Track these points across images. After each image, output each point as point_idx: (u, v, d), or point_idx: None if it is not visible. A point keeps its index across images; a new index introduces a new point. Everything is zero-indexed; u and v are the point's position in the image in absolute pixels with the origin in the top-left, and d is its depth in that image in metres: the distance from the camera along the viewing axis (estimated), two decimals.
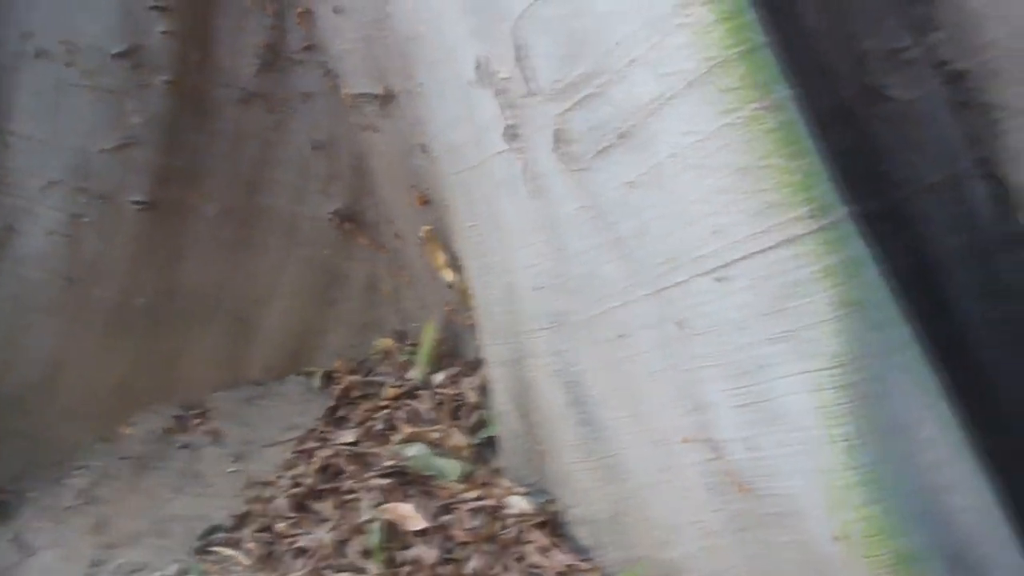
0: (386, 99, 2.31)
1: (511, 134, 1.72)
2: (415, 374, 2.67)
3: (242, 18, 2.39)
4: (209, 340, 2.67)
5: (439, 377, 2.61)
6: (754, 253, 1.29)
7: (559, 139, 1.55)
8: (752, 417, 1.39)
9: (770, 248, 1.27)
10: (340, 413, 2.65)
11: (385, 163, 2.48)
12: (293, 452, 2.54)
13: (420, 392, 2.59)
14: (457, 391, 2.54)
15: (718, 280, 1.35)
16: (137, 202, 2.43)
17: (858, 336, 1.24)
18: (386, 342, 2.83)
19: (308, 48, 2.44)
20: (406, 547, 2.17)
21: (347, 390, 2.71)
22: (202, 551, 2.28)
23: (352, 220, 2.67)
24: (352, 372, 2.82)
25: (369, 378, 2.77)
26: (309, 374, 2.84)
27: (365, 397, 2.68)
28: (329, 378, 2.81)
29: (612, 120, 1.43)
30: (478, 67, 1.74)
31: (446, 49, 1.84)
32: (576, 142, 1.52)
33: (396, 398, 2.59)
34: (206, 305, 2.62)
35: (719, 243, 1.33)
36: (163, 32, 2.31)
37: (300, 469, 2.45)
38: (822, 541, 1.32)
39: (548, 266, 1.80)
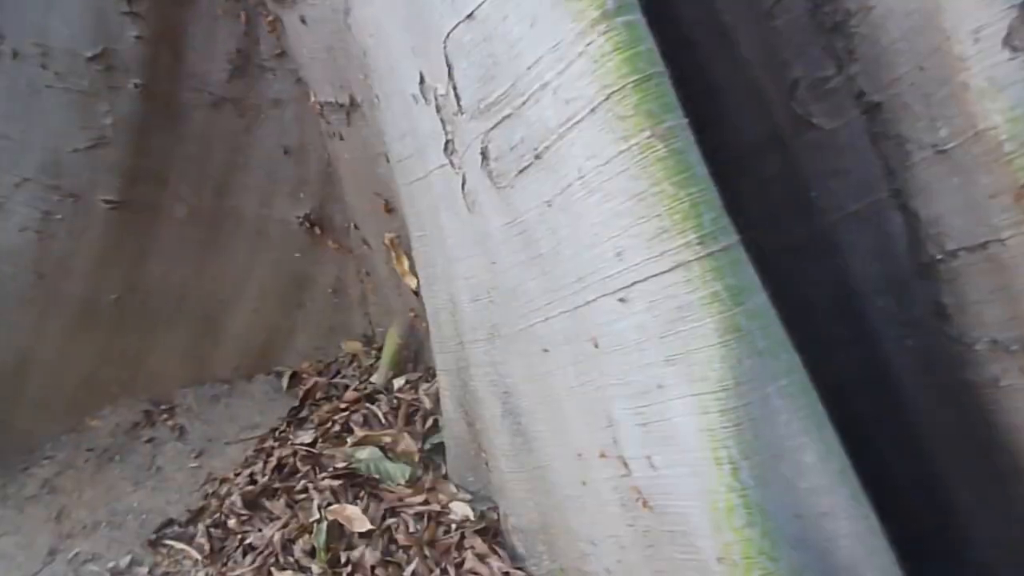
0: (351, 108, 2.36)
1: (450, 149, 1.76)
2: (377, 378, 2.72)
3: (214, 24, 2.44)
4: (176, 338, 2.73)
5: (399, 382, 2.66)
6: (650, 276, 1.32)
7: (485, 156, 1.59)
8: (651, 436, 1.41)
9: (664, 272, 1.30)
10: (303, 414, 2.70)
11: (351, 171, 2.53)
12: (253, 450, 2.59)
13: (379, 396, 2.63)
14: (415, 396, 2.58)
15: (621, 301, 1.38)
16: (107, 201, 2.49)
17: (741, 362, 1.27)
18: (353, 345, 2.88)
19: (279, 55, 2.49)
20: (350, 548, 2.21)
21: (311, 391, 2.76)
22: (155, 544, 2.34)
23: (320, 225, 2.72)
24: (319, 374, 2.87)
25: (335, 380, 2.82)
26: (278, 374, 2.89)
27: (328, 399, 2.73)
28: (296, 379, 2.86)
29: (529, 141, 1.46)
30: (421, 82, 1.78)
31: (391, 63, 1.88)
32: (500, 160, 1.56)
33: (356, 401, 2.63)
34: (173, 303, 2.67)
35: (621, 265, 1.36)
36: (136, 37, 2.37)
37: (257, 467, 2.50)
38: (711, 561, 1.35)
39: (484, 279, 1.83)
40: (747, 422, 1.27)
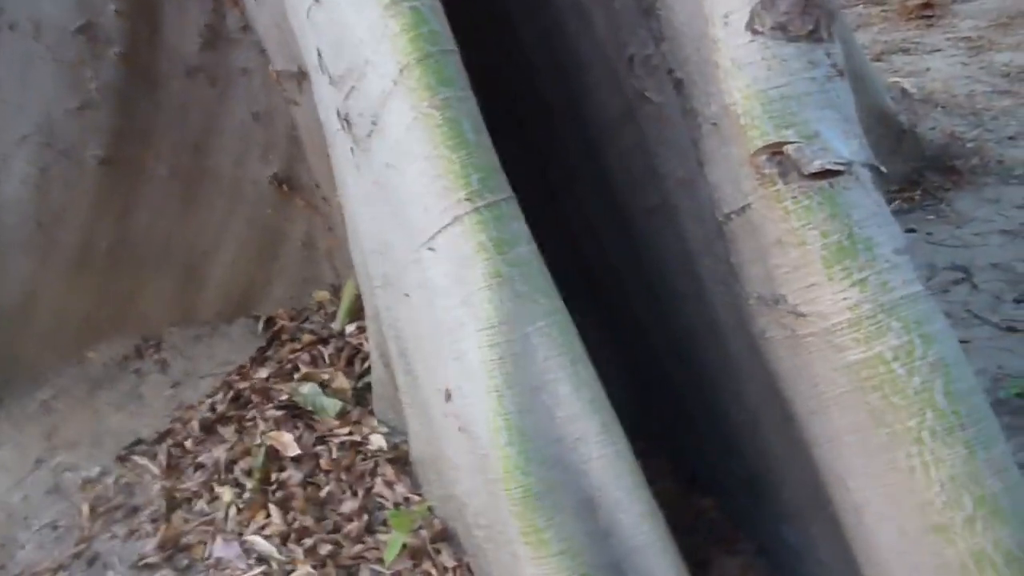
0: (300, 77, 2.60)
1: (342, 116, 1.99)
2: (336, 324, 2.99)
3: (186, 1, 2.72)
4: (163, 283, 3.05)
5: (351, 328, 2.92)
6: (443, 228, 1.53)
7: (348, 122, 1.82)
8: (460, 368, 1.63)
9: (448, 225, 1.51)
10: (267, 353, 3.00)
11: (308, 134, 2.78)
12: (220, 382, 2.90)
13: (332, 340, 2.91)
14: (359, 341, 2.84)
15: (431, 251, 1.60)
16: (97, 158, 2.81)
17: (504, 303, 1.47)
18: (322, 295, 3.16)
19: (244, 28, 2.76)
20: (281, 469, 2.50)
21: (278, 333, 3.06)
22: (123, 459, 2.67)
23: (289, 183, 3.00)
24: (292, 319, 3.16)
25: (303, 325, 3.11)
26: (255, 319, 3.20)
27: (293, 340, 3.02)
28: (270, 323, 3.16)
29: (368, 110, 1.68)
30: (319, 54, 2.01)
31: (303, 38, 2.12)
32: (356, 126, 1.78)
33: (311, 344, 2.92)
34: (158, 253, 2.99)
35: (427, 220, 1.57)
36: (115, 11, 2.67)
37: (218, 397, 2.81)
38: (492, 477, 1.56)
39: (373, 231, 2.06)
40: (509, 356, 1.48)
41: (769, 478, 1.90)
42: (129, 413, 2.86)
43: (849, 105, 1.45)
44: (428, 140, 1.49)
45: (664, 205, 1.93)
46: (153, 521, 2.45)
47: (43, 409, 2.91)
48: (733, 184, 1.52)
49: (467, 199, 1.46)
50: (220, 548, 2.33)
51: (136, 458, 2.67)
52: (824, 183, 1.37)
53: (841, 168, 1.37)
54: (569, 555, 1.46)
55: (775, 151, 1.39)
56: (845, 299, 1.35)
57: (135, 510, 2.51)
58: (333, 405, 2.60)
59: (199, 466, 2.58)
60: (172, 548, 2.36)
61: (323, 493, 2.39)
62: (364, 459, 2.46)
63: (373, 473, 2.42)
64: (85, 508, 2.52)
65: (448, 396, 1.74)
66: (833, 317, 1.37)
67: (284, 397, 2.67)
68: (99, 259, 2.95)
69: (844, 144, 1.39)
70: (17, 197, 2.81)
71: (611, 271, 2.32)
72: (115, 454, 2.69)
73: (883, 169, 1.45)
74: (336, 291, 3.15)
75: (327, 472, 2.44)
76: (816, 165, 1.36)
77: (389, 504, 2.34)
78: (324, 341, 2.90)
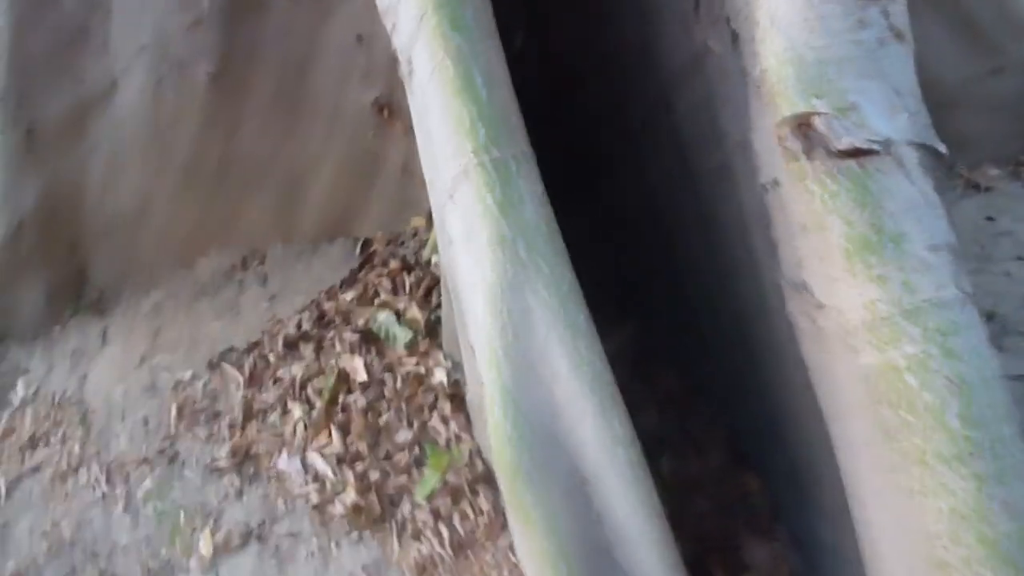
0: None
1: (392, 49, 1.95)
2: (426, 253, 3.00)
3: None
4: (266, 199, 3.15)
5: (436, 258, 2.93)
6: (456, 181, 1.48)
7: (395, 58, 1.77)
8: (474, 329, 1.58)
9: (460, 180, 1.45)
10: (358, 276, 3.06)
11: None
12: (310, 301, 3.00)
13: (416, 269, 2.93)
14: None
15: (450, 198, 1.55)
16: (208, 74, 2.90)
17: (507, 270, 1.41)
18: (418, 221, 3.18)
19: None
20: (349, 392, 2.57)
21: (370, 257, 3.11)
22: (213, 366, 2.83)
23: (389, 108, 2.99)
24: (387, 243, 3.20)
25: (396, 251, 3.15)
26: (354, 240, 3.26)
27: (383, 265, 3.07)
28: (367, 245, 3.21)
29: (404, 49, 1.62)
30: None
31: None
32: (400, 63, 1.73)
33: (397, 271, 2.95)
34: (262, 169, 3.08)
35: (447, 169, 1.52)
36: None
37: (305, 315, 2.91)
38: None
39: (425, 165, 2.04)
40: (510, 326, 1.42)
41: (810, 471, 1.78)
42: (226, 322, 3.01)
43: (904, 74, 1.27)
44: (443, 90, 1.43)
45: (725, 167, 1.79)
46: (230, 427, 2.60)
47: (152, 311, 3.10)
48: (770, 154, 1.38)
49: (473, 153, 1.40)
50: (283, 461, 2.44)
51: (225, 366, 2.81)
52: (854, 163, 1.21)
53: (876, 148, 1.20)
54: (554, 535, 1.42)
55: (803, 123, 1.24)
56: (862, 297, 1.20)
57: (216, 415, 2.66)
58: (404, 335, 2.64)
59: (277, 380, 2.69)
60: (242, 456, 2.49)
61: (382, 421, 2.44)
62: (426, 391, 2.49)
63: (432, 407, 2.45)
64: (174, 409, 2.70)
65: (472, 352, 1.71)
66: (850, 315, 1.23)
67: (362, 322, 2.73)
68: (208, 171, 3.07)
69: (886, 120, 1.22)
70: (135, 106, 2.95)
71: (683, 228, 2.19)
72: (208, 360, 2.85)
73: (941, 150, 1.27)
74: (431, 218, 3.15)
75: (389, 401, 2.49)
76: (845, 142, 1.20)
77: (442, 439, 2.36)
78: (409, 269, 2.93)
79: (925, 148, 1.25)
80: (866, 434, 1.28)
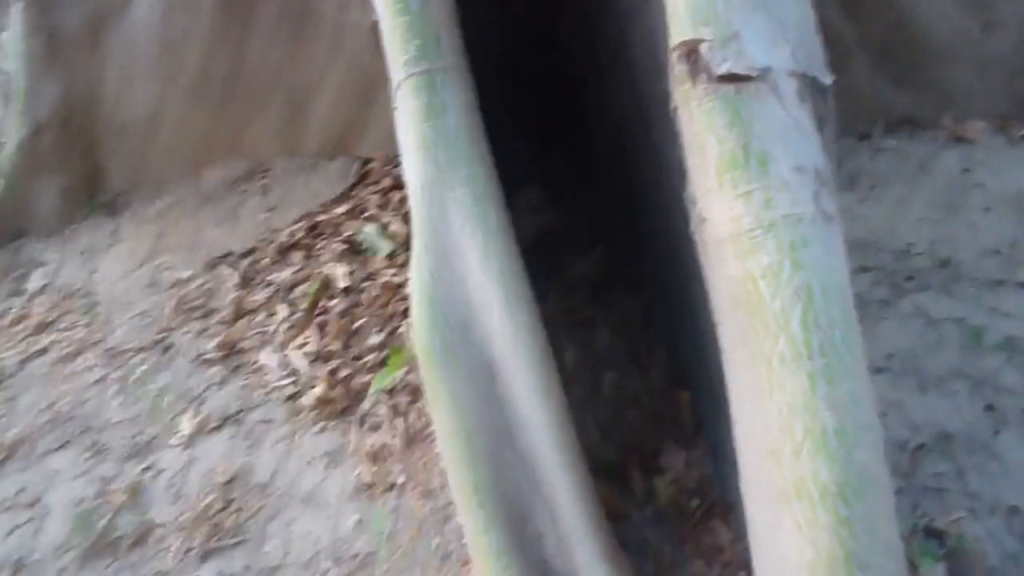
0: None
1: None
2: None
3: None
4: (271, 115, 3.31)
5: None
6: (397, 92, 1.62)
7: None
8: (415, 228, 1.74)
9: (399, 88, 1.60)
10: (352, 192, 3.22)
11: None
12: (305, 213, 3.17)
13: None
14: None
15: (395, 108, 1.68)
16: None
17: (428, 170, 1.56)
18: None
19: None
20: (331, 298, 2.75)
21: (366, 175, 3.27)
22: (210, 267, 3.02)
23: None
24: (385, 164, 3.35)
25: (392, 170, 3.30)
26: (354, 159, 3.41)
27: (376, 183, 3.23)
28: (365, 164, 3.37)
29: None
30: None
31: None
32: None
33: (388, 188, 3.11)
34: (268, 86, 3.23)
35: (393, 82, 1.66)
36: None
37: (299, 226, 3.09)
38: None
39: None
40: (428, 221, 1.58)
41: (721, 384, 1.92)
42: (226, 228, 3.20)
43: (792, 8, 1.37)
44: (384, 5, 1.56)
45: (667, 94, 1.91)
46: (221, 324, 2.79)
47: (159, 215, 3.30)
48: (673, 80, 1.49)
49: (404, 65, 1.53)
50: (265, 356, 2.64)
51: (221, 268, 3.00)
52: (731, 88, 1.32)
53: (752, 74, 1.31)
54: (459, 413, 1.58)
55: (691, 49, 1.35)
56: (730, 211, 1.33)
57: (209, 312, 2.86)
58: (386, 247, 2.80)
59: (268, 284, 2.88)
60: (229, 350, 2.69)
61: (356, 324, 2.62)
62: (399, 300, 2.66)
63: (404, 314, 2.62)
64: (171, 304, 2.90)
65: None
66: (720, 228, 1.35)
67: (348, 233, 2.90)
68: (216, 85, 3.23)
69: (766, 50, 1.33)
70: (146, 20, 3.11)
71: (637, 157, 2.31)
72: (205, 262, 3.04)
73: (825, 81, 1.38)
74: None
75: (365, 307, 2.67)
76: (724, 68, 1.32)
77: (411, 346, 2.53)
78: (400, 187, 3.07)
79: (805, 78, 1.36)
80: (731, 339, 1.41)
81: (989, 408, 2.17)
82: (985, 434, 2.10)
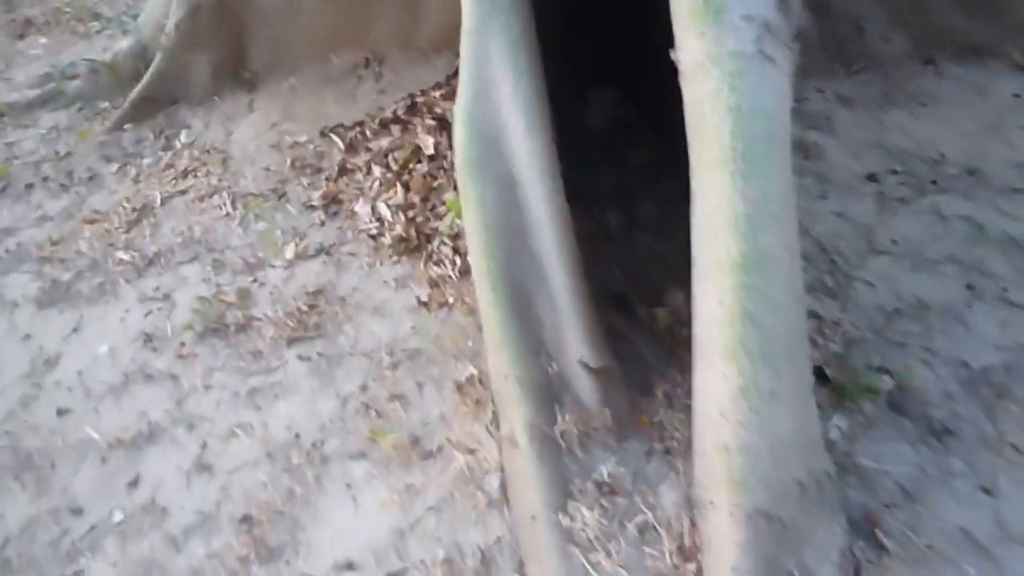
0: None
1: None
2: None
3: None
4: (390, 13, 3.79)
5: None
6: None
7: None
8: None
9: None
10: (451, 80, 3.66)
11: None
12: (408, 95, 3.64)
13: None
14: None
15: None
16: None
17: (475, 15, 1.96)
18: None
19: None
20: (419, 162, 3.22)
21: None
22: (323, 134, 3.54)
23: None
24: None
25: None
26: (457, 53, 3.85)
27: None
28: None
29: None
30: None
31: None
32: None
33: None
34: None
35: None
36: None
37: (400, 105, 3.56)
38: None
39: None
40: (473, 59, 1.99)
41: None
42: (342, 105, 3.71)
43: None
44: None
45: None
46: (327, 179, 3.31)
47: (288, 92, 3.84)
48: None
49: None
50: (359, 206, 3.13)
51: (332, 135, 3.51)
52: None
53: None
54: (483, 211, 1.99)
55: None
56: (692, 48, 1.69)
57: (319, 170, 3.37)
58: None
59: (368, 149, 3.37)
60: (330, 200, 3.20)
61: (435, 184, 3.07)
62: None
63: None
64: (288, 161, 3.43)
65: None
66: (686, 61, 1.71)
67: (438, 110, 3.35)
68: None
69: None
70: None
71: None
72: (320, 130, 3.56)
73: None
74: None
75: (446, 170, 3.12)
76: None
77: None
78: None
79: None
80: (692, 153, 1.77)
81: (969, 287, 2.42)
82: (959, 306, 2.37)
